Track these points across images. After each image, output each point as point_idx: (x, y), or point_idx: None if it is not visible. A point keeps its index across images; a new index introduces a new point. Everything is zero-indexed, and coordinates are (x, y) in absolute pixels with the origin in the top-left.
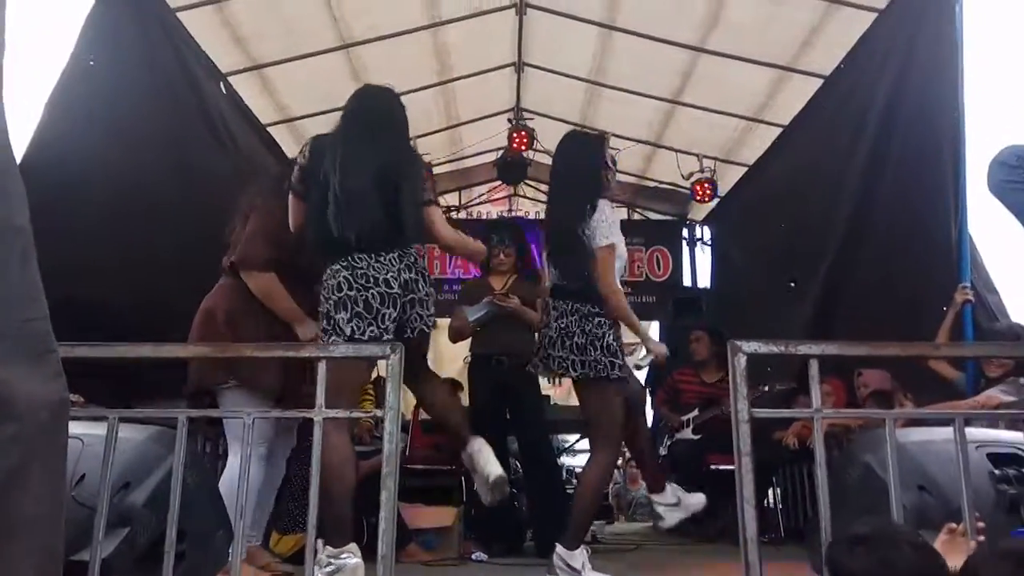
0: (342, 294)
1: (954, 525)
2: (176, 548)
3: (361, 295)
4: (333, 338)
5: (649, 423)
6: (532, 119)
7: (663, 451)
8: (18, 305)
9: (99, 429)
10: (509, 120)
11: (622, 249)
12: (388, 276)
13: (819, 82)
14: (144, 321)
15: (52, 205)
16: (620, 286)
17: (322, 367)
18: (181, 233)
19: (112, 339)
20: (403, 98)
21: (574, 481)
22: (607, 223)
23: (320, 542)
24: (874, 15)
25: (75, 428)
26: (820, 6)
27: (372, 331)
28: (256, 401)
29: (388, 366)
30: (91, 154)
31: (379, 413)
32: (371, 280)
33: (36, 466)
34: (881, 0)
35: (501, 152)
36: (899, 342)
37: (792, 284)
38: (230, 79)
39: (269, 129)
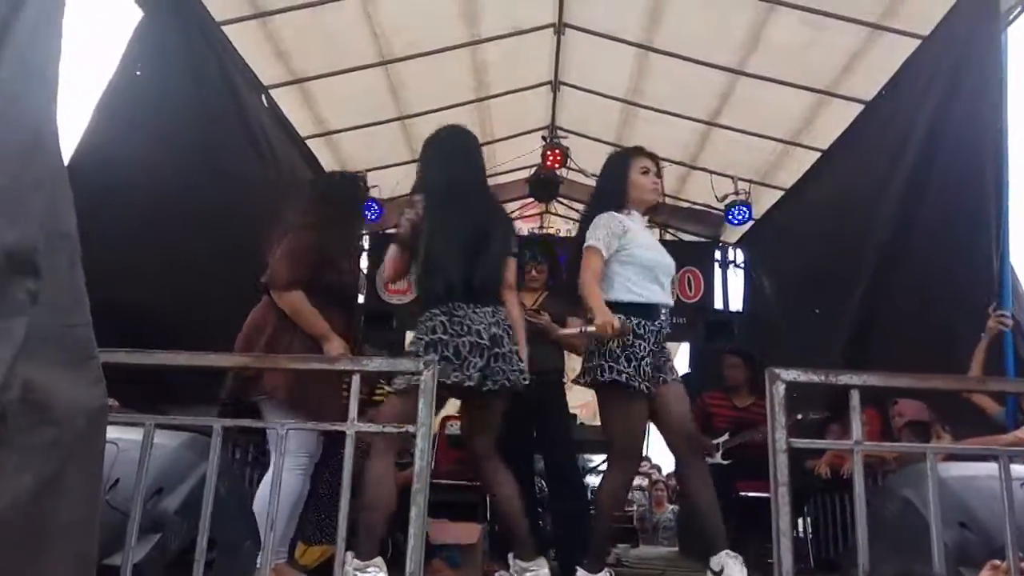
0: (435, 336)
1: (998, 563)
2: (206, 556)
3: (453, 341)
4: (457, 375)
5: None
6: (567, 138)
7: None
8: (62, 310)
9: (133, 434)
10: (543, 138)
11: (643, 256)
12: (480, 327)
13: (859, 107)
14: (180, 324)
15: (96, 210)
16: (592, 282)
17: (356, 380)
18: (218, 240)
19: (148, 341)
20: (439, 115)
21: None
22: (593, 228)
23: (350, 554)
24: (917, 41)
25: (110, 432)
26: (862, 31)
27: (456, 376)
28: (293, 415)
29: (421, 382)
30: (135, 160)
31: (411, 429)
32: (465, 328)
33: (73, 472)
34: (925, 27)
35: (535, 169)
36: (942, 374)
37: (816, 311)
38: (272, 92)
39: (308, 142)
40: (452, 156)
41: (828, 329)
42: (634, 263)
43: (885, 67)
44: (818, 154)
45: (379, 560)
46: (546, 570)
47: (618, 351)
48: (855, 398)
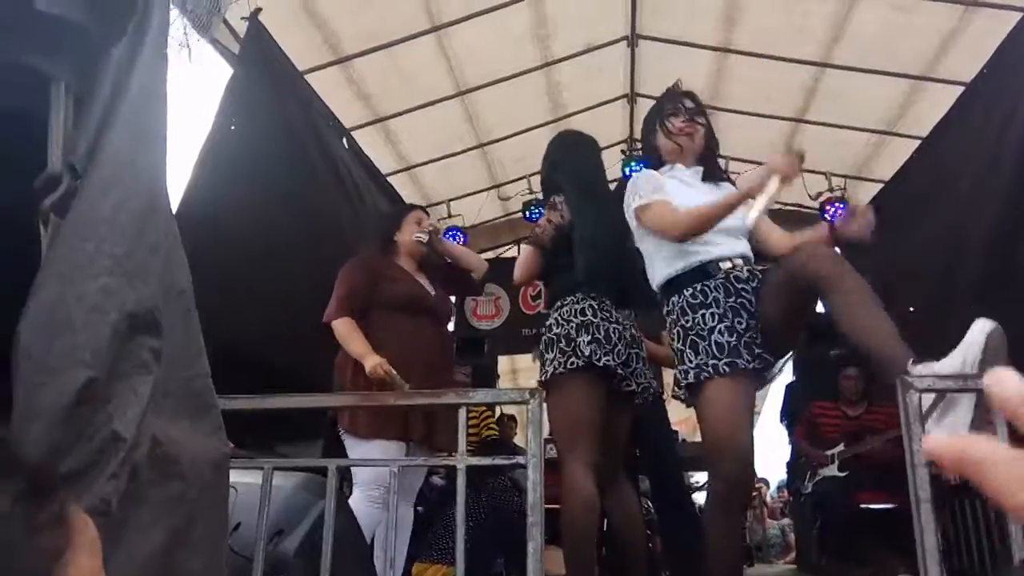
0: (586, 318)
1: None
2: None
3: (604, 324)
4: (572, 359)
5: (787, 459)
6: None
7: (807, 489)
8: (182, 363)
9: (250, 477)
10: (623, 151)
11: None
12: (623, 322)
13: (959, 89)
14: (284, 365)
15: (200, 262)
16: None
17: (463, 414)
18: (313, 281)
19: (255, 383)
20: (517, 139)
21: None
22: (629, 192)
23: None
24: (1018, 15)
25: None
26: (956, 9)
27: (608, 360)
28: (375, 448)
29: (528, 411)
30: (233, 212)
31: (521, 460)
32: (612, 316)
33: (200, 521)
34: None
35: (615, 184)
36: None
37: (911, 310)
38: (355, 133)
39: (391, 178)
40: (582, 154)
41: (931, 328)
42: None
43: (984, 45)
44: (917, 142)
45: None
46: None
47: (681, 345)
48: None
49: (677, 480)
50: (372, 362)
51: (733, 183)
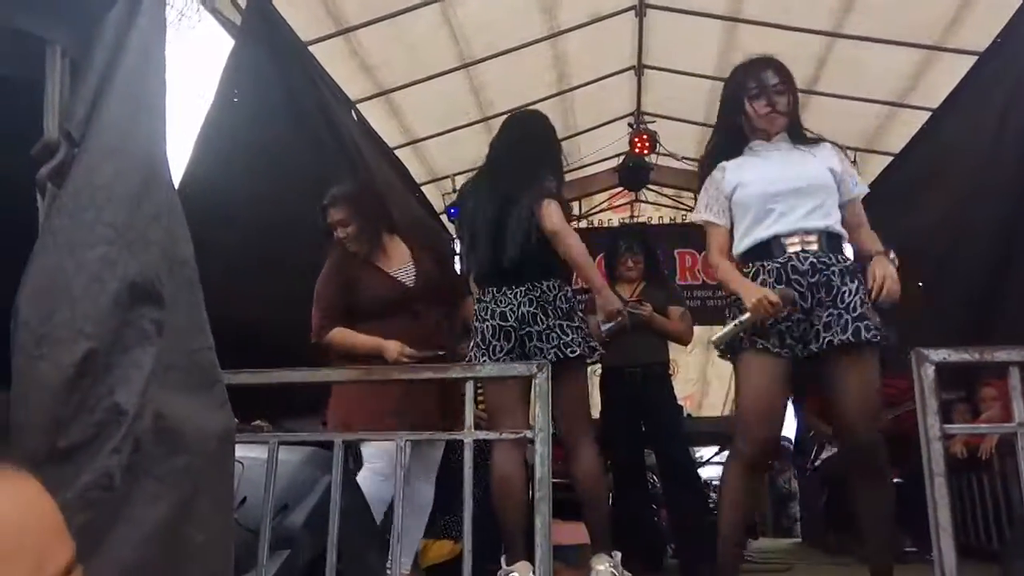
0: (474, 323)
1: None
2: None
3: (480, 326)
4: (484, 359)
5: (794, 432)
6: (654, 122)
7: (814, 464)
8: (187, 336)
9: (256, 451)
10: (630, 124)
11: (748, 196)
12: (506, 310)
13: (972, 60)
14: (286, 338)
15: (203, 234)
16: (721, 260)
17: (470, 387)
18: (317, 253)
19: (256, 358)
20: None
21: (713, 495)
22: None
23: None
24: None
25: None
26: None
27: (484, 359)
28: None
29: (535, 386)
30: (238, 183)
31: (529, 435)
32: (489, 313)
33: (205, 495)
34: None
35: (623, 157)
36: None
37: (920, 285)
38: (359, 105)
39: (396, 152)
40: (500, 140)
41: (939, 303)
42: (744, 209)
43: (1000, 13)
44: (928, 114)
45: (521, 565)
46: (605, 566)
47: (731, 313)
48: (1015, 376)
49: (683, 454)
50: (393, 350)
51: (832, 143)
